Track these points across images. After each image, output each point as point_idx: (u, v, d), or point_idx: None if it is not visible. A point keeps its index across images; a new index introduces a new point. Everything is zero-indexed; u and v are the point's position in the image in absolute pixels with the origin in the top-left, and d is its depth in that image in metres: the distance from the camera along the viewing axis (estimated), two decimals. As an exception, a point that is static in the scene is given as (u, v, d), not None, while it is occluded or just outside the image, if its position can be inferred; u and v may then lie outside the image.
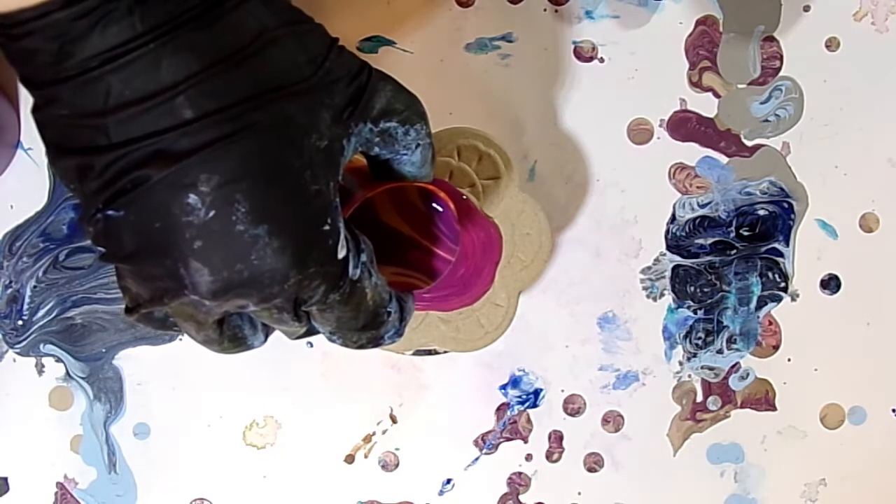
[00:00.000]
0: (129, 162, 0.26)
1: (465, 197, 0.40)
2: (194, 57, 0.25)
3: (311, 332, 0.32)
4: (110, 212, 0.26)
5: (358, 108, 0.30)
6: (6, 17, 0.25)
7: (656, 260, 0.47)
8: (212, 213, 0.25)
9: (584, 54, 0.46)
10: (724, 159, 0.47)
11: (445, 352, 0.44)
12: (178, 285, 0.27)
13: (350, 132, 0.30)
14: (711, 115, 0.46)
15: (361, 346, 0.32)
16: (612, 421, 0.47)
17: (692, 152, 0.47)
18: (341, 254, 0.28)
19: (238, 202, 0.26)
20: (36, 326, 0.46)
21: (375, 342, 0.32)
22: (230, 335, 0.30)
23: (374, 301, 0.31)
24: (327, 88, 0.28)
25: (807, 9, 0.46)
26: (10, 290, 0.46)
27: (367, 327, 0.31)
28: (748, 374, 0.47)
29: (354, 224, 0.31)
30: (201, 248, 0.26)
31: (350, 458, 0.47)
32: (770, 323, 0.47)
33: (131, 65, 0.25)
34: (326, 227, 0.27)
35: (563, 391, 0.47)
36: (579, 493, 0.47)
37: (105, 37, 0.25)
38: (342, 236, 0.28)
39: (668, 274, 0.47)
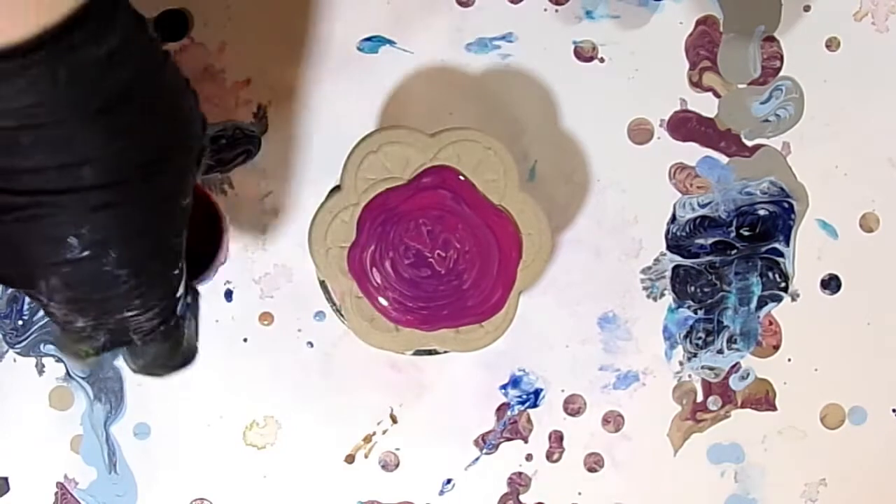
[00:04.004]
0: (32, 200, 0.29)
1: (462, 178, 0.41)
2: (103, 139, 0.28)
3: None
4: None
5: (220, 165, 0.35)
6: None
7: (656, 260, 0.47)
8: (86, 254, 0.29)
9: (585, 54, 0.46)
10: (724, 159, 0.47)
11: (446, 352, 0.43)
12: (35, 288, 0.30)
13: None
14: (712, 115, 0.46)
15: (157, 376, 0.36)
16: (613, 421, 0.47)
17: (692, 152, 0.47)
18: (179, 292, 0.32)
19: (111, 251, 0.29)
20: (36, 326, 0.46)
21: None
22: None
23: (188, 342, 0.35)
24: (199, 157, 0.32)
25: (807, 9, 0.46)
26: (10, 290, 0.46)
27: (177, 367, 0.35)
28: (748, 374, 0.47)
29: None
30: (67, 273, 0.29)
31: (350, 458, 0.47)
32: (770, 323, 0.47)
33: (50, 133, 0.27)
34: (176, 272, 0.32)
35: (563, 391, 0.47)
36: (579, 493, 0.47)
37: (21, 99, 0.26)
38: (183, 278, 0.32)
39: (668, 274, 0.47)
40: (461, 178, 0.41)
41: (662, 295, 0.47)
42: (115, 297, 0.30)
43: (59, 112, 0.27)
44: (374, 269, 0.41)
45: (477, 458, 0.47)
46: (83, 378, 0.46)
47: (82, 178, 0.28)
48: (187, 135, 0.31)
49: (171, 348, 0.34)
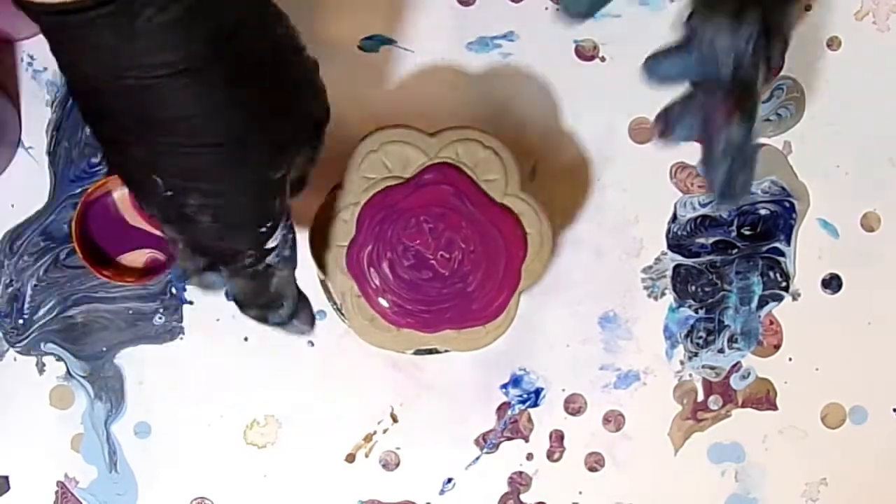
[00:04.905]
0: None
1: (465, 175, 0.40)
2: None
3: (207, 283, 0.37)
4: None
5: None
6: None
7: (657, 259, 0.47)
8: (169, 193, 0.31)
9: (586, 53, 0.46)
10: (725, 158, 0.47)
11: (446, 351, 0.43)
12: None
13: None
14: (713, 115, 0.46)
15: (253, 319, 0.38)
16: (613, 420, 0.47)
17: (693, 151, 0.46)
18: (270, 244, 0.34)
19: (190, 198, 0.31)
20: (37, 325, 0.46)
21: (261, 321, 0.38)
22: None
23: (276, 288, 0.36)
24: (306, 131, 0.35)
25: (808, 8, 0.46)
26: (10, 289, 0.46)
27: (261, 306, 0.37)
28: (749, 374, 0.47)
29: None
30: (159, 206, 0.32)
31: (351, 458, 0.47)
32: (771, 322, 0.47)
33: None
34: (263, 230, 0.33)
35: (563, 390, 0.47)
36: (580, 493, 0.47)
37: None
38: (279, 236, 0.34)
39: (669, 273, 0.47)
40: (463, 174, 0.40)
41: (663, 294, 0.47)
42: (200, 235, 0.33)
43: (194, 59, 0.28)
44: (372, 270, 0.40)
45: (477, 458, 0.47)
46: (84, 377, 0.46)
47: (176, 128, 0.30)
48: (291, 97, 0.32)
49: (256, 289, 0.36)
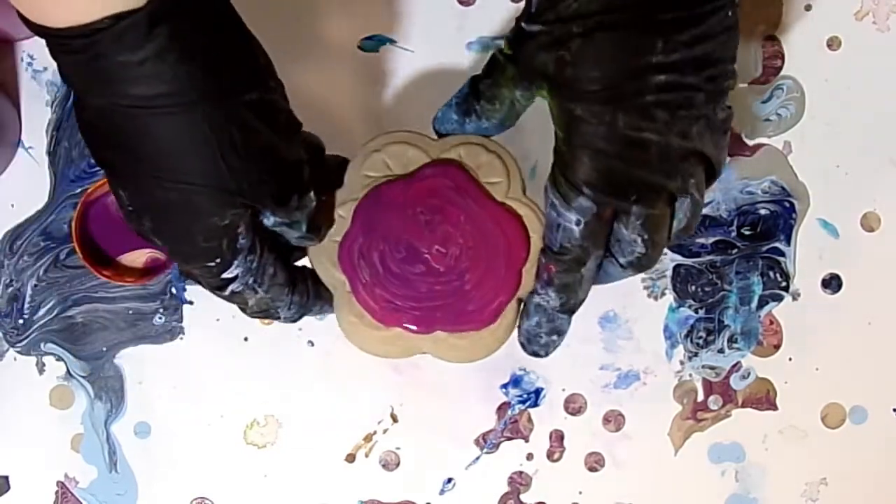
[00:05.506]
0: None
1: (467, 172, 0.39)
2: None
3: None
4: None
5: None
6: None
7: (657, 259, 0.47)
8: (130, 209, 0.32)
9: (586, 53, 0.46)
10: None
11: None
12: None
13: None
14: (713, 115, 0.46)
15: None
16: (613, 420, 0.47)
17: (693, 151, 0.46)
18: (228, 275, 0.35)
19: (145, 221, 0.32)
20: (37, 325, 0.46)
21: (272, 320, 0.38)
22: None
23: (258, 305, 0.37)
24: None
25: (808, 8, 0.46)
26: (10, 289, 0.46)
27: (256, 315, 0.37)
28: (749, 374, 0.47)
29: None
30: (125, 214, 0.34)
31: (351, 458, 0.47)
32: (771, 322, 0.47)
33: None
34: (211, 264, 0.34)
35: (564, 390, 0.47)
36: (580, 493, 0.47)
37: None
38: (234, 269, 0.34)
39: (669, 273, 0.47)
40: (465, 172, 0.39)
41: (663, 294, 0.47)
42: (161, 250, 0.34)
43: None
44: (363, 262, 0.38)
45: (477, 458, 0.47)
46: (84, 377, 0.46)
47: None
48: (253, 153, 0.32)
49: (237, 305, 0.37)
